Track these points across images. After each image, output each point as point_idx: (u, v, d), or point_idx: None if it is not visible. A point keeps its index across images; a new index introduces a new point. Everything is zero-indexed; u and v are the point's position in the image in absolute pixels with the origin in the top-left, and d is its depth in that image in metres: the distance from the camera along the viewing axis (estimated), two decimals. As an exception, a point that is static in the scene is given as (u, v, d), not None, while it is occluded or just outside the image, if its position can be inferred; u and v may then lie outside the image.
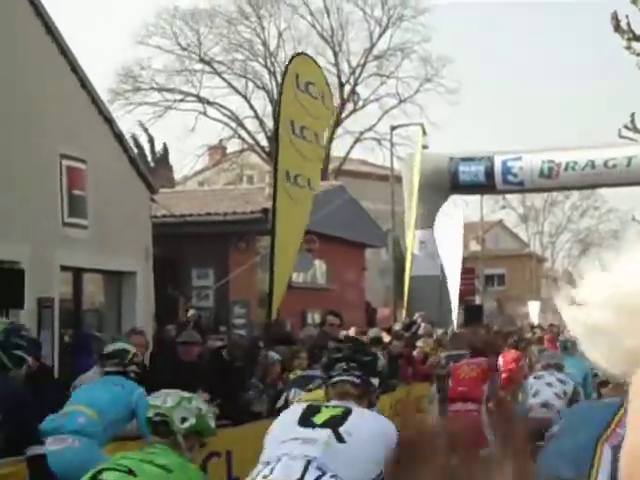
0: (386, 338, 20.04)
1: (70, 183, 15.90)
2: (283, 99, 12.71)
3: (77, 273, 16.89)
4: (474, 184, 31.23)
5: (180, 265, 24.47)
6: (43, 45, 15.56)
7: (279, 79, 45.41)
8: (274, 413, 12.12)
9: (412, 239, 26.97)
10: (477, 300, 38.08)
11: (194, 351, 11.56)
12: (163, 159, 45.51)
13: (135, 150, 43.58)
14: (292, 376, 11.81)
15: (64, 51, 16.02)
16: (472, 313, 32.77)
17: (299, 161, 12.52)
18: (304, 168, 12.65)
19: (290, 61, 13.40)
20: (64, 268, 15.98)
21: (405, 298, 26.17)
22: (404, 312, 27.88)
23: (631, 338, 1.08)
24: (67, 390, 9.54)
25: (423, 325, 23.44)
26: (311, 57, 14.85)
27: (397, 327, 23.06)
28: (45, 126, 15.27)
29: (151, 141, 45.74)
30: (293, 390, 10.65)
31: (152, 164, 42.37)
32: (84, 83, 16.56)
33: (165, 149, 46.13)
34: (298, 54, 14.57)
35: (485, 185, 31.30)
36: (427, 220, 28.48)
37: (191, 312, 22.00)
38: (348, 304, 27.04)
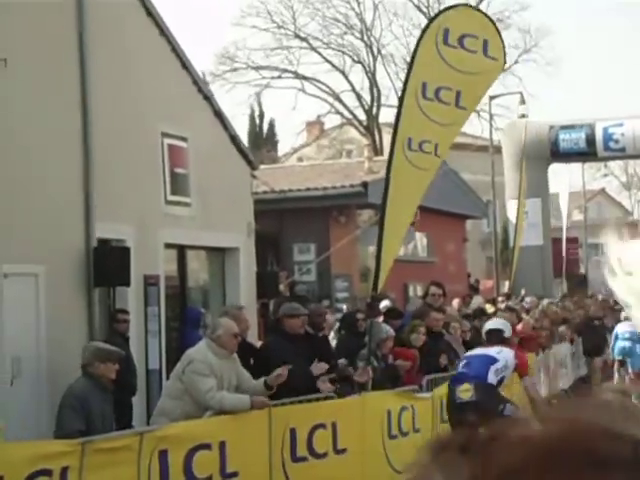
0: (490, 309, 19.97)
1: (172, 161, 16.10)
2: (417, 61, 12.07)
3: (181, 250, 17.12)
4: (575, 152, 30.75)
5: (281, 240, 24.66)
6: (145, 28, 15.77)
7: (375, 52, 45.33)
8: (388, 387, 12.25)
9: (521, 209, 26.60)
10: (581, 269, 37.56)
11: (299, 323, 11.60)
12: (269, 136, 46.14)
13: (247, 126, 44.97)
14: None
15: (164, 33, 16.22)
16: (577, 283, 32.38)
17: (427, 126, 11.93)
18: (433, 133, 12.03)
19: (434, 18, 12.70)
20: (168, 245, 16.21)
21: (513, 269, 25.89)
22: (507, 283, 27.67)
23: None
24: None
25: (529, 298, 23.29)
26: (471, 6, 13.67)
27: (501, 299, 22.95)
28: (147, 106, 15.48)
29: (261, 116, 46.51)
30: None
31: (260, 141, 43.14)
32: (184, 64, 16.75)
33: (271, 126, 46.75)
34: (451, 7, 13.02)
35: (586, 153, 30.80)
36: (528, 190, 28.09)
37: (299, 286, 22.20)
38: (450, 276, 26.95)
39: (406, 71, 12.83)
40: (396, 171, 11.89)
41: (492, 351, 11.23)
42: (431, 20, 12.57)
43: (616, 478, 0.74)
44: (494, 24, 12.81)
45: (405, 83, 12.30)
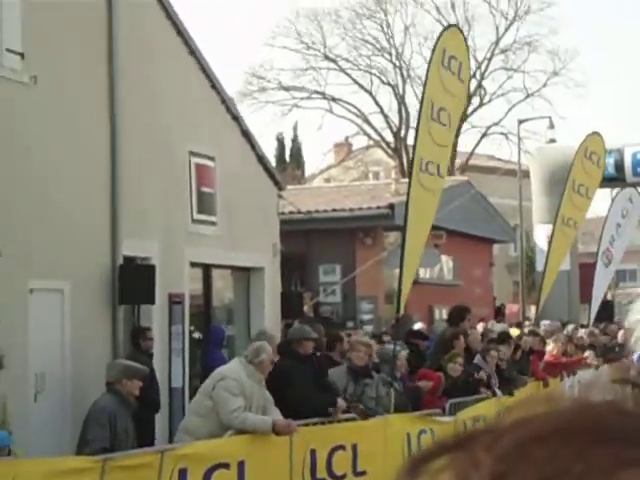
0: (515, 333, 19.89)
1: (199, 180, 16.17)
2: (429, 79, 12.41)
3: (206, 269, 17.16)
4: (604, 177, 30.61)
5: (307, 261, 24.66)
6: (174, 47, 15.86)
7: (405, 74, 45.42)
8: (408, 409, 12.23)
9: (558, 234, 26.37)
10: (608, 296, 37.32)
11: (309, 346, 11.61)
12: (296, 157, 46.51)
13: (274, 150, 45.66)
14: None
15: (193, 52, 16.31)
16: (603, 309, 32.15)
17: (431, 147, 12.27)
18: (435, 154, 12.38)
19: (439, 37, 13.10)
20: (193, 264, 16.26)
21: (543, 296, 25.66)
22: (533, 308, 27.51)
23: None
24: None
25: (547, 321, 23.18)
26: (458, 27, 14.61)
27: (527, 323, 22.87)
28: (175, 125, 15.56)
29: (295, 140, 47.12)
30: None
31: (287, 162, 43.50)
32: (213, 83, 16.83)
33: (298, 147, 47.13)
34: (449, 26, 14.31)
35: (615, 178, 30.65)
36: (554, 215, 27.93)
37: (324, 308, 22.22)
38: (475, 300, 26.84)
39: (422, 90, 13.19)
40: (413, 193, 12.19)
41: None
42: (437, 40, 12.97)
43: (626, 454, 0.73)
44: (467, 45, 13.61)
45: (421, 103, 12.58)
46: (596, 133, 21.01)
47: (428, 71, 12.57)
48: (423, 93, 12.64)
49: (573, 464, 0.72)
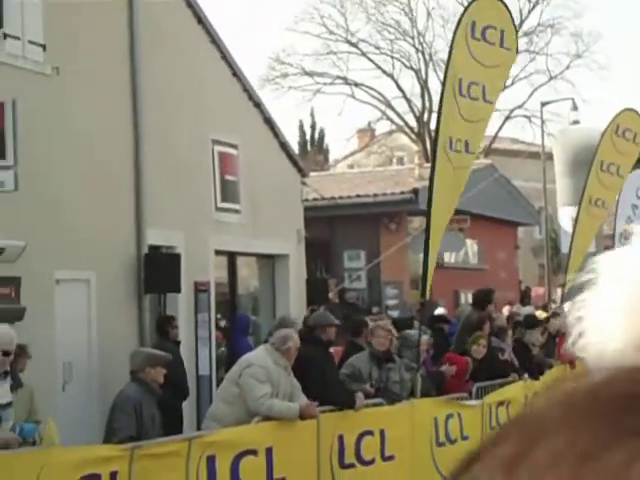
0: (541, 316, 19.84)
1: (222, 168, 16.20)
2: (453, 56, 12.12)
3: (231, 257, 17.21)
4: None
5: (331, 247, 24.67)
6: (195, 36, 15.89)
7: (427, 58, 45.26)
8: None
9: (583, 214, 26.24)
10: None
11: (332, 333, 11.63)
12: (319, 143, 46.53)
13: (297, 137, 45.78)
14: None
15: (215, 41, 16.33)
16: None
17: (460, 124, 12.00)
18: (464, 131, 12.09)
19: (465, 10, 12.67)
20: (218, 252, 16.31)
21: (569, 278, 25.49)
22: (559, 290, 27.41)
23: None
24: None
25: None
26: None
27: (553, 306, 22.77)
28: (198, 113, 15.60)
29: (313, 127, 47.03)
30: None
31: (310, 148, 43.47)
32: (235, 72, 16.84)
33: (321, 133, 47.16)
34: None
35: (639, 159, 30.46)
36: (578, 197, 27.82)
37: (349, 294, 22.24)
38: (501, 283, 26.78)
39: (444, 68, 12.88)
40: (439, 173, 11.88)
41: None
42: (463, 13, 12.57)
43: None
44: (509, 11, 12.90)
45: (444, 81, 12.30)
46: (630, 109, 20.35)
47: (452, 47, 12.23)
48: (445, 72, 12.32)
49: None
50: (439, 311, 16.73)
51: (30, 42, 12.60)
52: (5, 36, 12.00)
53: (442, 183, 11.88)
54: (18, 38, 12.39)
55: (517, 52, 13.03)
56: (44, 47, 12.75)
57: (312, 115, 47.89)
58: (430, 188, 11.96)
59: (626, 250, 0.91)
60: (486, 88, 12.21)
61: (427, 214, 12.09)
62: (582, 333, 0.89)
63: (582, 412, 0.73)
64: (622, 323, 0.85)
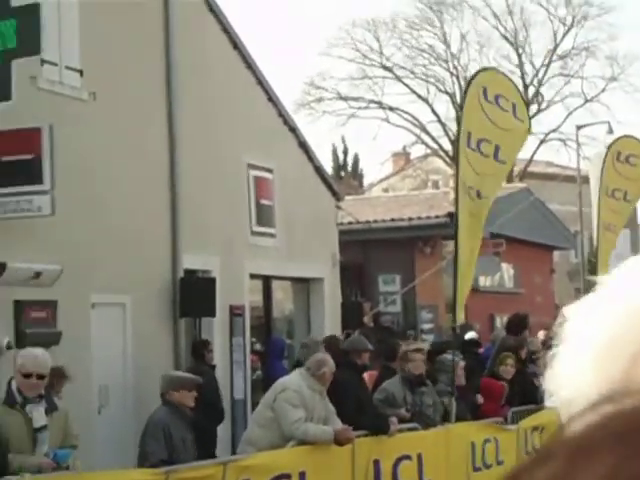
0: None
1: (258, 192, 16.26)
2: (465, 110, 12.61)
3: (266, 281, 17.23)
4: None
5: (366, 271, 24.65)
6: (231, 61, 15.98)
7: (462, 82, 45.25)
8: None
9: (604, 239, 26.18)
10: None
11: (366, 357, 11.67)
12: (354, 168, 46.68)
13: (331, 162, 46.05)
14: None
15: (250, 66, 16.42)
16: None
17: (471, 174, 12.39)
18: (476, 181, 12.47)
19: (474, 76, 13.25)
20: (253, 276, 16.34)
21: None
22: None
23: None
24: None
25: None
26: (500, 71, 14.66)
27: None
28: (234, 138, 15.67)
29: (345, 152, 47.17)
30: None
31: (343, 174, 43.61)
32: (270, 96, 16.92)
33: (355, 158, 47.32)
34: (485, 69, 14.40)
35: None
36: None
37: (384, 317, 22.21)
38: (536, 307, 26.65)
39: (457, 119, 13.45)
40: (461, 206, 12.31)
41: None
42: (471, 80, 13.16)
43: None
44: (517, 89, 13.53)
45: (458, 127, 12.68)
46: (627, 136, 20.59)
47: (463, 105, 12.78)
48: (459, 122, 12.77)
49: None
50: (470, 335, 16.64)
51: (67, 68, 12.72)
52: (43, 62, 12.11)
53: (464, 216, 12.30)
54: (55, 64, 12.50)
55: (530, 127, 13.48)
56: (81, 72, 12.87)
57: (343, 141, 48.10)
58: (456, 216, 12.19)
59: (590, 300, 0.93)
60: (500, 149, 12.54)
61: (455, 241, 12.29)
62: (555, 388, 0.89)
63: (628, 436, 0.71)
64: (591, 376, 0.85)
